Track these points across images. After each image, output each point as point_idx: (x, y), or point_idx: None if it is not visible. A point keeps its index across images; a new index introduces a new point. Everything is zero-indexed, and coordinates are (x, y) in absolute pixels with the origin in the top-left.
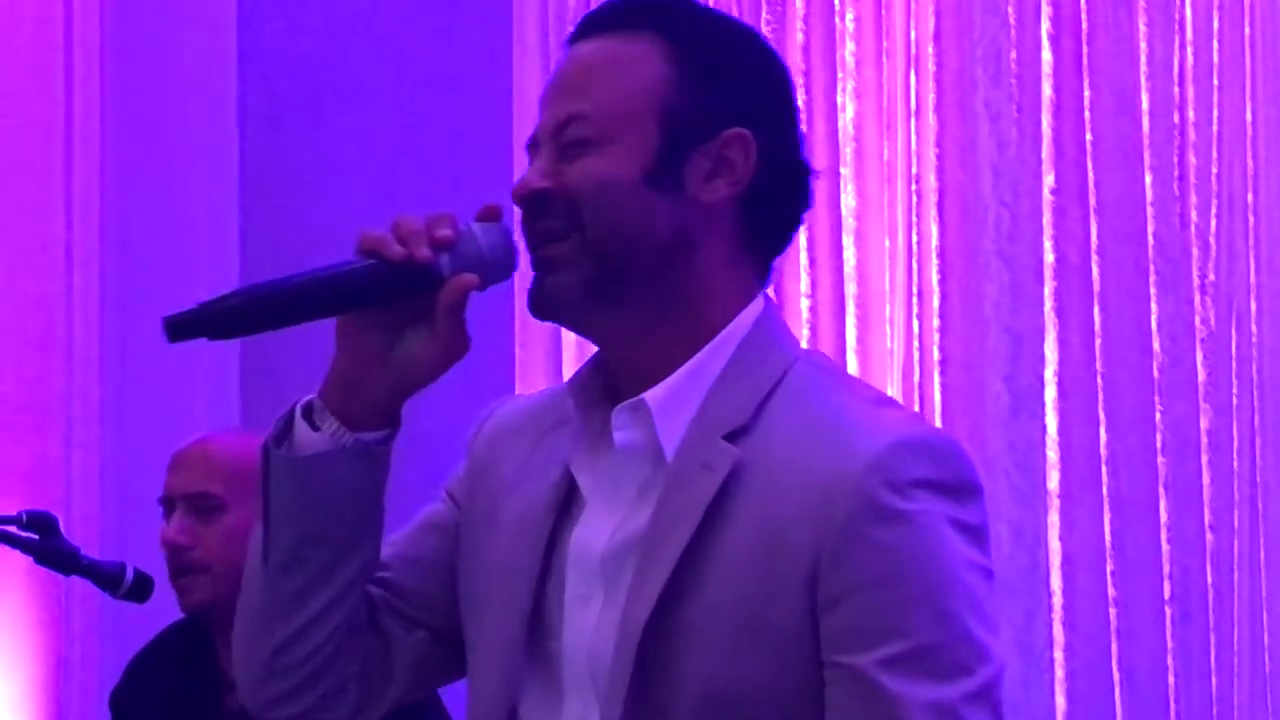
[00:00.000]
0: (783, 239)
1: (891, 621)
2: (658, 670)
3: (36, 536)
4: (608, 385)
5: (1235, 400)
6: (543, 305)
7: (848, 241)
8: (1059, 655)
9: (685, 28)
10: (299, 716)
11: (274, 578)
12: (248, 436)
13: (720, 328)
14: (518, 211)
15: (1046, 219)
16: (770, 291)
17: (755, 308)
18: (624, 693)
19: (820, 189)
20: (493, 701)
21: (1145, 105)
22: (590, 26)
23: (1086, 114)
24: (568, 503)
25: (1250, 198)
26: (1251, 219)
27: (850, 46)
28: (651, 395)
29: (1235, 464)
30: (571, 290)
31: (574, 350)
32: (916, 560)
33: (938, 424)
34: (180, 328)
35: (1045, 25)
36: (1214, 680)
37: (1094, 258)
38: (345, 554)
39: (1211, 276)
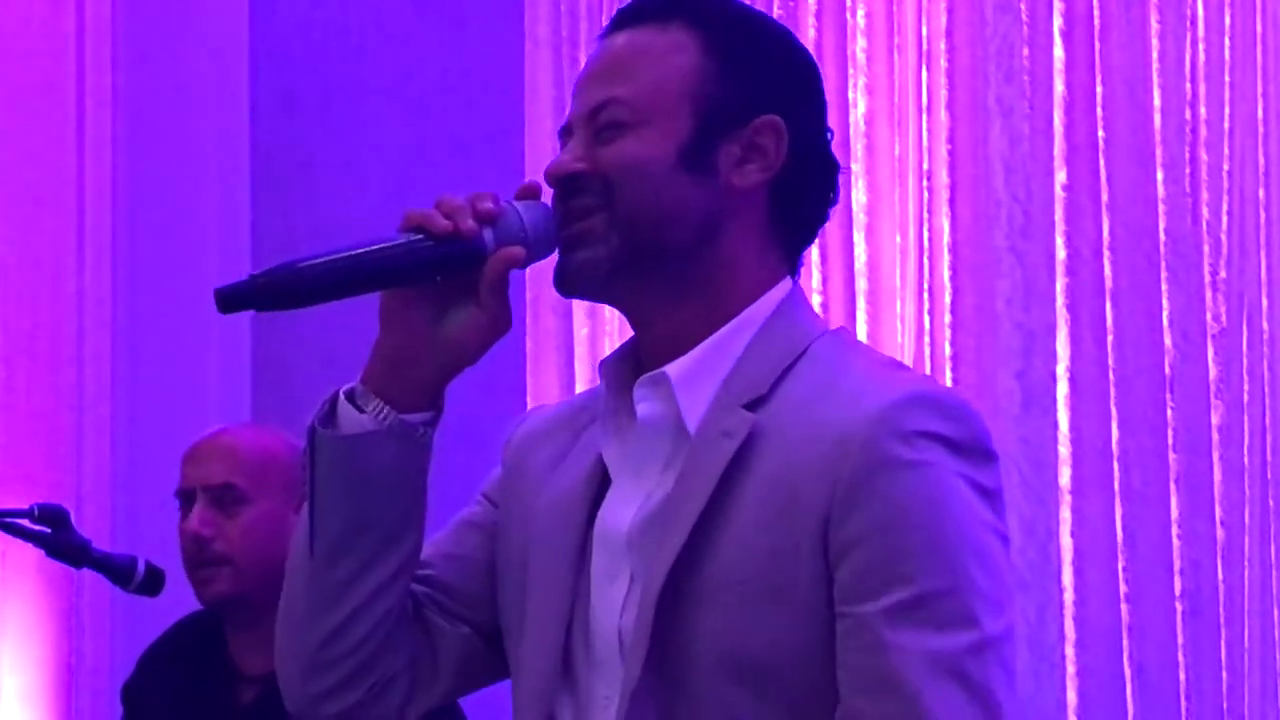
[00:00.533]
0: (810, 229)
1: (895, 569)
2: (676, 634)
3: (48, 530)
4: (636, 368)
5: (1247, 396)
6: (569, 280)
7: (859, 237)
8: (1070, 651)
9: (718, 19)
10: (346, 713)
11: (320, 567)
12: (266, 430)
13: (744, 307)
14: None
15: (1058, 215)
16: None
17: (781, 290)
18: (643, 658)
19: None
20: (534, 699)
21: (1157, 102)
22: (624, 19)
23: (1099, 110)
24: (601, 486)
25: (1262, 194)
26: (1263, 215)
27: (862, 42)
28: (672, 368)
29: (1246, 460)
30: (598, 265)
31: (586, 348)
32: (922, 508)
33: None
34: (230, 300)
35: (1058, 21)
36: (1224, 676)
37: (1106, 254)
38: (391, 541)
39: (1223, 273)
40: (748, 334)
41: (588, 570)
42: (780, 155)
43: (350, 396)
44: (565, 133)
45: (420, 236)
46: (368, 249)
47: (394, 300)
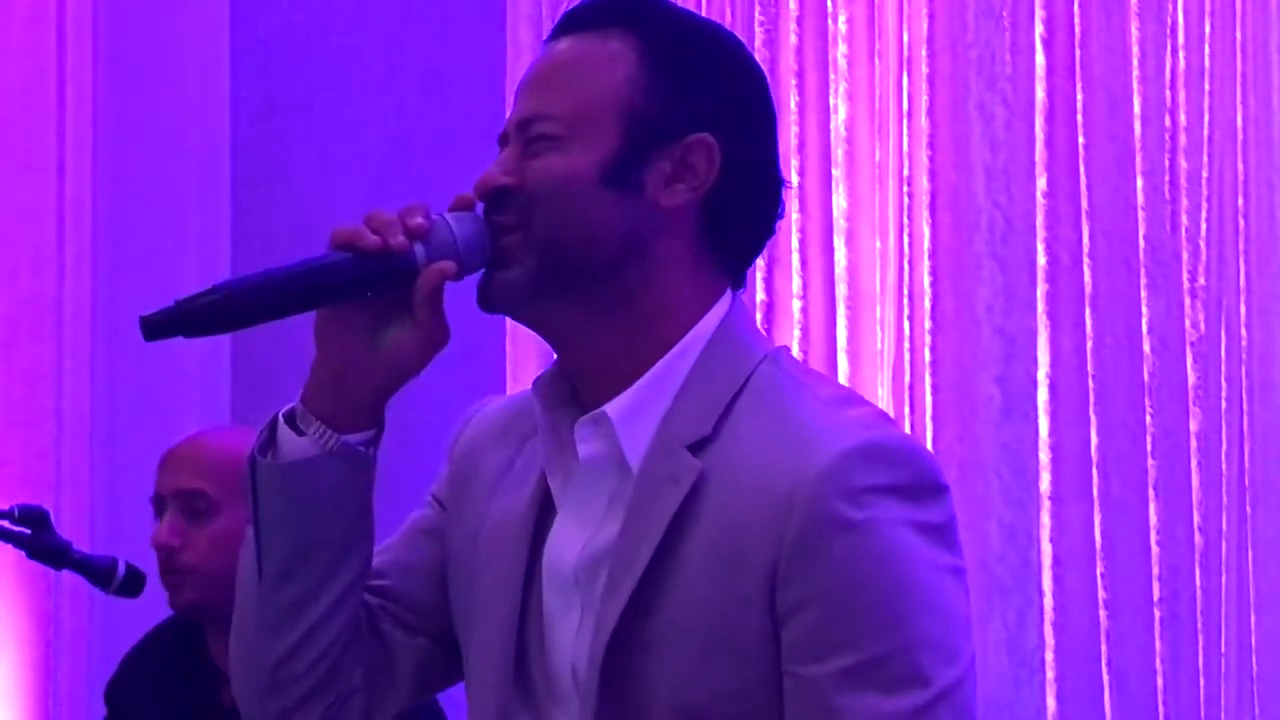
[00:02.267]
0: (752, 246)
1: (843, 633)
2: (629, 682)
3: (28, 531)
4: (573, 387)
5: (1225, 404)
6: (487, 298)
7: (839, 243)
8: (1049, 656)
9: (660, 29)
10: None
11: (270, 590)
12: (241, 434)
13: (683, 333)
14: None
15: (1039, 221)
16: (760, 293)
17: (719, 311)
18: (594, 704)
19: (812, 190)
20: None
21: (1137, 109)
22: (568, 24)
23: (1079, 117)
24: (546, 509)
25: (1241, 202)
26: (1242, 223)
27: (843, 48)
28: (612, 407)
29: (1224, 467)
30: (515, 285)
31: None
32: (869, 570)
33: (928, 426)
34: (156, 327)
35: (1039, 29)
36: (1202, 681)
37: (1085, 260)
38: (338, 562)
39: (1202, 280)
40: (688, 362)
41: (537, 596)
42: (711, 174)
43: (290, 418)
44: (502, 140)
45: (350, 254)
46: (296, 269)
47: (328, 319)
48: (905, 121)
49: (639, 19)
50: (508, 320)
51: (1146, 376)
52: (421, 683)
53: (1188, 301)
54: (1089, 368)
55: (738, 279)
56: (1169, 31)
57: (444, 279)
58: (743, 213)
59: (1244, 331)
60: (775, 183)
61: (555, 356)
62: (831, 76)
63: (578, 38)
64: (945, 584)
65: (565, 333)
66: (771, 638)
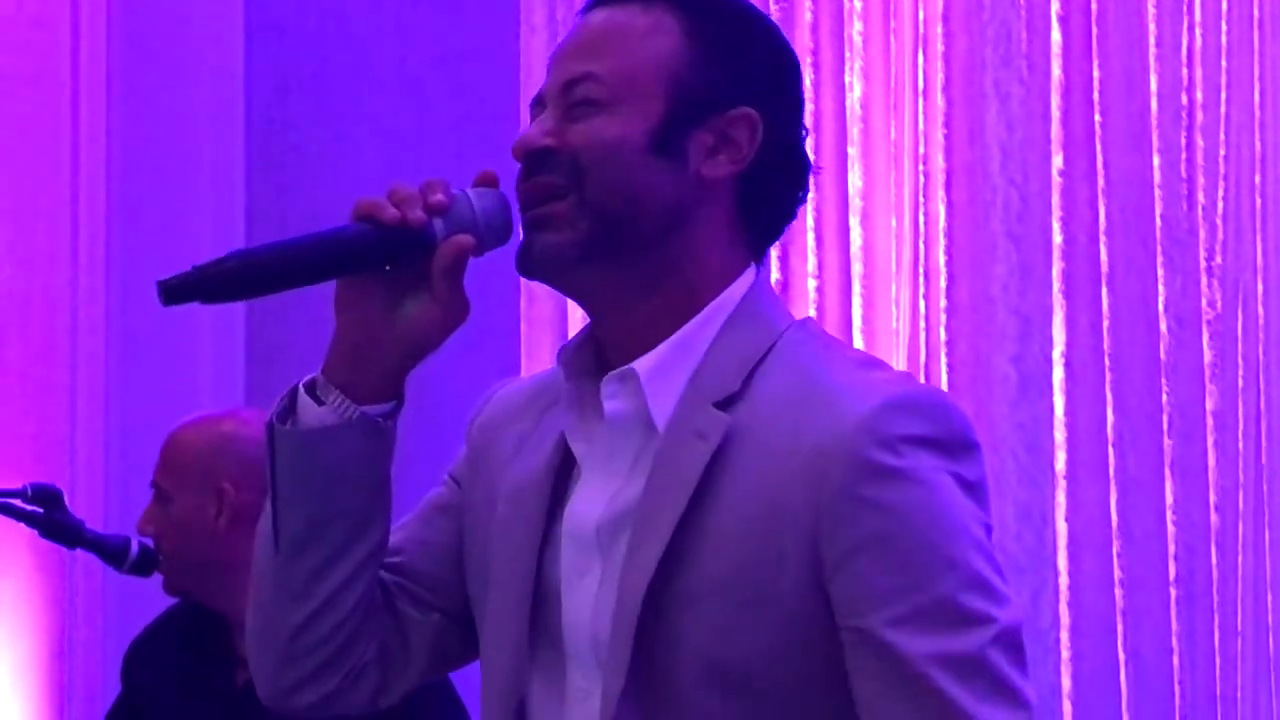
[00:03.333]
0: (778, 224)
1: (894, 580)
2: (658, 642)
3: (41, 510)
4: (598, 354)
5: (1241, 382)
6: (532, 264)
7: (854, 222)
8: (1065, 636)
9: (703, 5)
10: (319, 704)
11: (286, 560)
12: (208, 423)
13: (710, 300)
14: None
15: (1055, 200)
16: (775, 272)
17: (745, 280)
18: (625, 665)
19: (827, 169)
20: (503, 683)
21: (1153, 87)
22: None
23: (1095, 95)
24: (565, 473)
25: (1258, 179)
26: (1259, 201)
27: (858, 26)
28: (640, 364)
29: (1241, 445)
30: (564, 249)
31: (580, 328)
32: (915, 514)
33: None
34: (175, 291)
35: (1055, 6)
36: (1218, 661)
37: (1102, 239)
38: (356, 533)
39: (1218, 258)
40: (714, 327)
41: (555, 559)
42: (752, 149)
43: (310, 388)
44: (537, 104)
45: (370, 226)
46: (316, 238)
47: (348, 290)
48: (921, 100)
49: None
50: (522, 300)
51: (1163, 355)
52: (434, 660)
53: (1204, 279)
54: (1105, 346)
55: (760, 254)
56: (1185, 8)
57: (462, 253)
58: (775, 190)
59: (1260, 309)
60: (805, 163)
61: (585, 324)
62: (847, 54)
63: (619, 8)
64: (981, 534)
65: (604, 300)
66: (811, 590)
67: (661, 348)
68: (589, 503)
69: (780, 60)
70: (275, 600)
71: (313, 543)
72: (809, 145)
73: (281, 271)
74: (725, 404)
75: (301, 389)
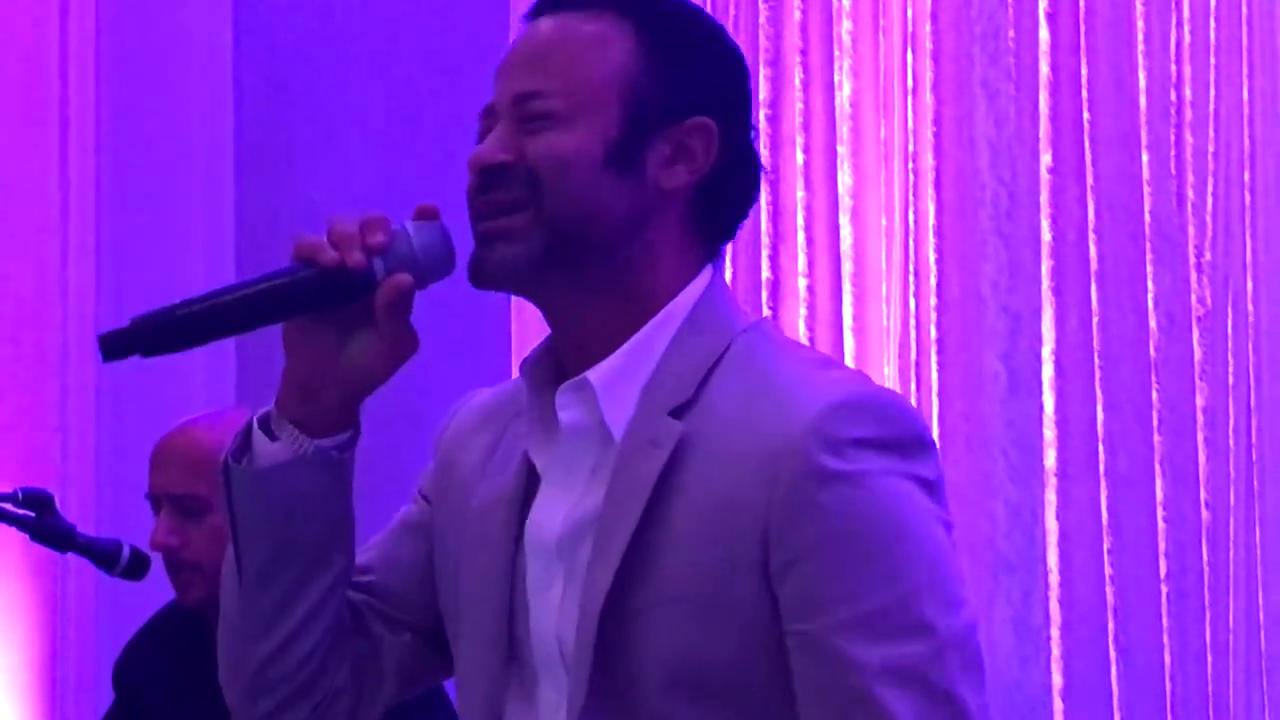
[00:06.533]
0: (732, 226)
1: (842, 585)
2: (620, 651)
3: (33, 514)
4: (558, 365)
5: (1231, 378)
6: (484, 277)
7: (844, 220)
8: (1055, 633)
9: (652, 12)
10: None
11: (250, 594)
12: (225, 422)
13: (664, 304)
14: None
15: (1044, 197)
16: (765, 271)
17: (699, 284)
18: (587, 675)
19: (817, 168)
20: (482, 701)
21: (1142, 83)
22: (551, 2)
23: (1084, 92)
24: (531, 487)
25: (1247, 176)
26: (1248, 197)
27: (847, 24)
28: (594, 373)
29: (1231, 442)
30: (519, 263)
31: None
32: (863, 520)
33: (934, 403)
34: (113, 346)
35: (1043, 3)
36: (1209, 657)
37: (1091, 236)
38: (319, 564)
39: (1208, 255)
40: (668, 333)
41: (522, 570)
42: (709, 159)
43: (264, 423)
44: (487, 115)
45: (311, 268)
46: (258, 284)
47: (295, 331)
48: (910, 98)
49: (633, 2)
50: (512, 309)
51: (1152, 352)
52: (407, 678)
53: (1194, 276)
54: (1094, 344)
55: (714, 255)
56: (1174, 5)
57: (400, 292)
58: (730, 195)
59: (1250, 306)
60: (757, 167)
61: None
62: (836, 53)
63: (566, 16)
64: (939, 533)
65: (558, 307)
66: (765, 600)
67: (615, 356)
68: (549, 515)
69: (730, 64)
70: (243, 633)
71: (276, 576)
72: (798, 142)
73: (223, 322)
74: (679, 411)
75: (255, 425)
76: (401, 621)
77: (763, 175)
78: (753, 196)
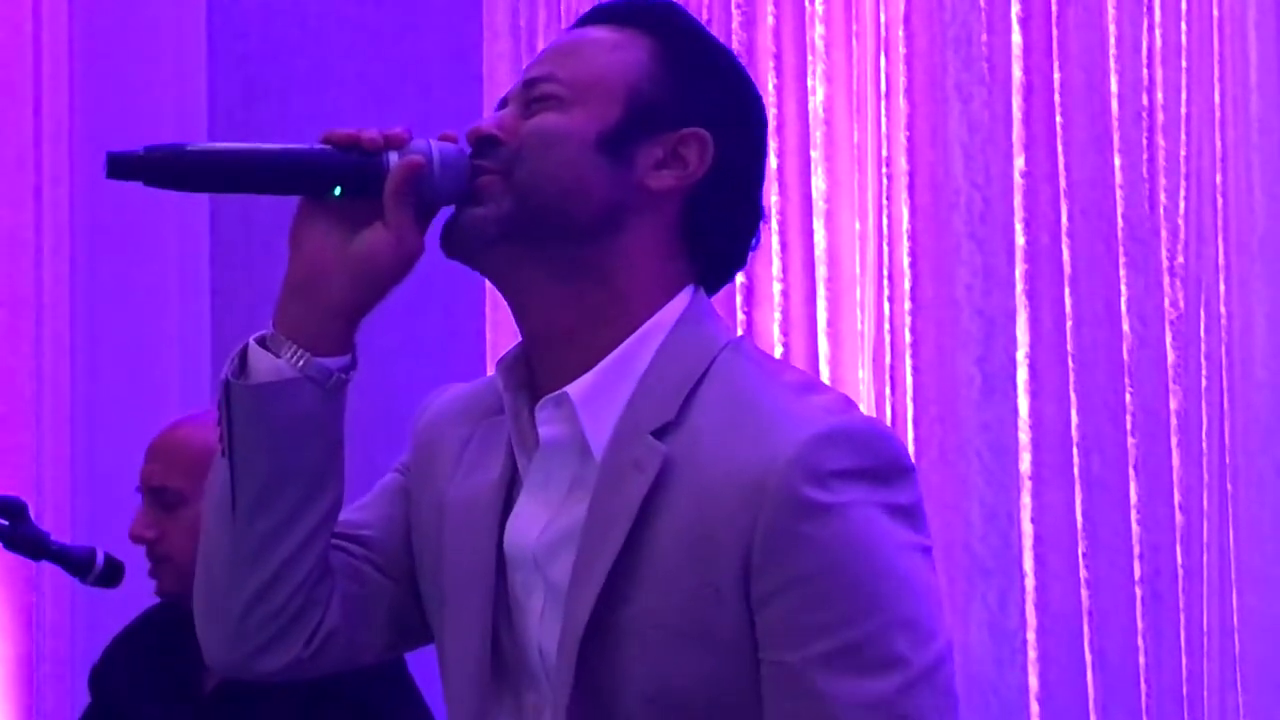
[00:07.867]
0: (725, 259)
1: (820, 617)
2: (602, 671)
3: (6, 523)
4: (530, 369)
5: (1205, 381)
6: (451, 239)
7: (818, 224)
8: (1031, 636)
9: (675, 34)
10: (280, 671)
11: (242, 522)
12: (207, 419)
13: (645, 318)
14: None
15: (1017, 201)
16: (740, 277)
17: (682, 300)
18: (569, 692)
19: (791, 172)
20: (471, 707)
21: (1114, 88)
22: (588, 18)
23: (1056, 96)
24: (512, 491)
25: (1219, 179)
26: (1220, 201)
27: (820, 29)
28: (574, 389)
29: (1205, 445)
30: (485, 223)
31: None
32: (843, 553)
33: (909, 407)
34: (120, 165)
35: (1015, 8)
36: (1184, 660)
37: (1064, 240)
38: (312, 493)
39: (1181, 258)
40: (650, 350)
41: (505, 578)
42: (700, 169)
43: (262, 343)
44: (502, 103)
45: (327, 148)
46: (273, 147)
47: (304, 219)
48: (883, 102)
49: (659, 24)
50: (487, 306)
51: (1126, 355)
52: (400, 631)
53: (1167, 280)
54: (1069, 347)
55: (709, 284)
56: (1145, 9)
57: (412, 173)
58: (720, 218)
59: (1223, 309)
60: (756, 206)
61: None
62: (809, 58)
63: (594, 27)
64: (917, 563)
65: (527, 295)
66: (746, 626)
67: (595, 372)
68: (526, 527)
69: (741, 97)
70: (230, 568)
71: (269, 504)
72: (771, 147)
73: (232, 171)
74: (661, 432)
75: (253, 343)
76: (394, 575)
77: (763, 224)
78: (746, 233)
